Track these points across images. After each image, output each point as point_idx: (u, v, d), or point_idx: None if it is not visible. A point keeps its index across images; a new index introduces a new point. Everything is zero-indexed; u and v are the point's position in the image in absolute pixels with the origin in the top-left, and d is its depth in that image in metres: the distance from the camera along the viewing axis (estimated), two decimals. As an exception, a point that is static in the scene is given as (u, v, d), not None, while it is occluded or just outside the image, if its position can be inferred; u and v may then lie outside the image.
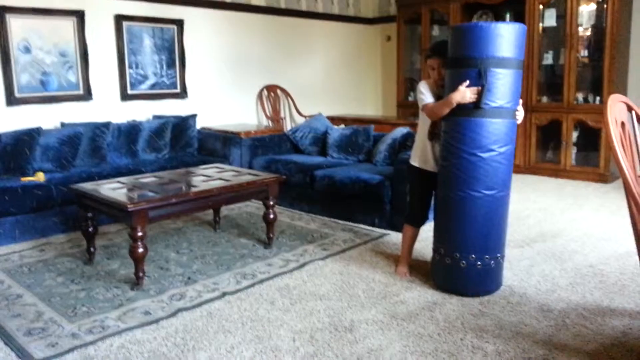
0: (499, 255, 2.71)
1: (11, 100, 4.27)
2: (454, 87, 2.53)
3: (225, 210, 4.25)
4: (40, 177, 3.82)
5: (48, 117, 4.45)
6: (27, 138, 4.01)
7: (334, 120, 5.64)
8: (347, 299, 2.68)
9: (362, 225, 3.91)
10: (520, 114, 2.63)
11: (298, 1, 6.55)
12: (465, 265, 2.65)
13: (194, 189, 3.21)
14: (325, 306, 2.60)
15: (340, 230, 3.81)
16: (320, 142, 5.03)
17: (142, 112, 5.09)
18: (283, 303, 2.64)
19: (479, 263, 2.64)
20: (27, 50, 4.36)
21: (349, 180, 3.99)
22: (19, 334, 2.33)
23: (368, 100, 7.69)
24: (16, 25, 4.26)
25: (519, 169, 5.72)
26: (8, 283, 2.90)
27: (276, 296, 2.73)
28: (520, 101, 2.64)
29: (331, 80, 7.10)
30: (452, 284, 2.72)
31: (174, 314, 2.52)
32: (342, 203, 4.10)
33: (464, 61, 2.53)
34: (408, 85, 7.04)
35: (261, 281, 2.91)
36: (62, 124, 4.46)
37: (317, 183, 4.21)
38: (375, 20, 7.52)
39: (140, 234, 2.80)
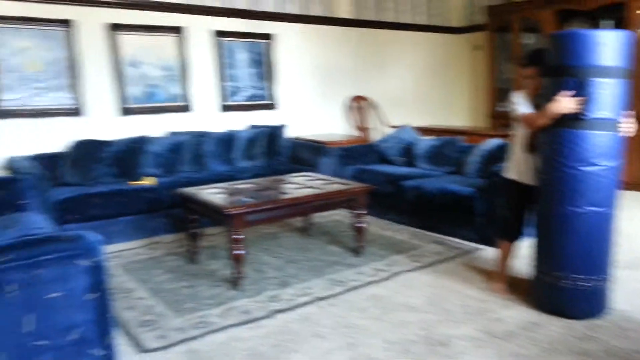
0: (604, 275, 2.55)
1: (124, 110, 4.70)
2: (552, 97, 2.43)
3: (314, 217, 4.35)
4: (152, 181, 4.16)
5: (156, 126, 4.83)
6: (138, 145, 4.39)
7: (422, 131, 5.59)
8: (439, 313, 2.65)
9: (452, 238, 3.83)
10: (631, 127, 2.46)
11: (384, 13, 6.59)
12: (567, 285, 2.52)
13: (287, 196, 3.34)
14: (417, 318, 2.59)
15: (430, 242, 3.77)
16: (408, 153, 5.01)
17: (238, 122, 5.36)
18: (374, 312, 2.67)
19: (582, 283, 2.50)
20: (137, 65, 4.77)
21: (439, 191, 3.93)
22: (133, 325, 2.55)
23: (456, 110, 7.52)
24: (126, 42, 4.68)
25: (626, 186, 5.32)
26: (123, 277, 3.19)
27: (367, 305, 2.75)
28: (632, 112, 2.48)
29: (418, 91, 7.05)
30: (554, 305, 2.59)
31: (270, 315, 2.63)
32: (431, 214, 4.05)
33: (563, 70, 2.42)
34: (498, 95, 6.82)
35: (352, 289, 2.95)
36: (168, 133, 4.81)
37: (406, 194, 4.19)
38: (463, 30, 7.37)
39: (239, 237, 2.96)
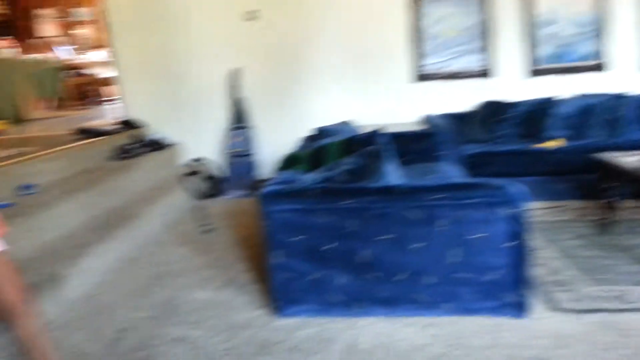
0: None
1: (532, 72, 4.59)
2: None
3: None
4: (559, 143, 3.98)
5: (564, 88, 4.52)
6: (544, 107, 4.24)
7: None
8: None
9: None
10: None
11: None
12: None
13: None
14: None
15: None
16: None
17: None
18: None
19: None
20: (549, 24, 4.53)
21: None
22: (542, 282, 2.50)
23: None
24: (540, 1, 4.48)
25: None
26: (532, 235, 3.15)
27: None
28: None
29: None
30: None
31: None
32: None
33: None
34: None
35: None
36: (577, 94, 4.43)
37: None
38: None
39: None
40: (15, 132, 5.31)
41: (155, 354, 2.10)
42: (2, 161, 3.40)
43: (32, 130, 5.70)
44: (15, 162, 3.30)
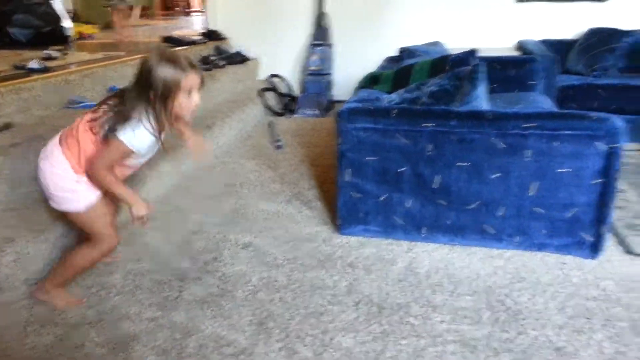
0: None
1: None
2: None
3: None
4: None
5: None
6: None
7: None
8: None
9: None
10: None
11: None
12: None
13: None
14: None
15: None
16: None
17: None
18: None
19: None
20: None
21: None
22: (620, 225, 2.33)
23: None
24: None
25: None
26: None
27: None
28: None
29: None
30: None
31: None
32: None
33: None
34: None
35: None
36: None
37: None
38: None
39: None
40: (103, 37, 5.51)
41: (223, 256, 2.20)
42: (91, 63, 3.55)
43: (120, 36, 5.88)
44: (103, 65, 3.42)
